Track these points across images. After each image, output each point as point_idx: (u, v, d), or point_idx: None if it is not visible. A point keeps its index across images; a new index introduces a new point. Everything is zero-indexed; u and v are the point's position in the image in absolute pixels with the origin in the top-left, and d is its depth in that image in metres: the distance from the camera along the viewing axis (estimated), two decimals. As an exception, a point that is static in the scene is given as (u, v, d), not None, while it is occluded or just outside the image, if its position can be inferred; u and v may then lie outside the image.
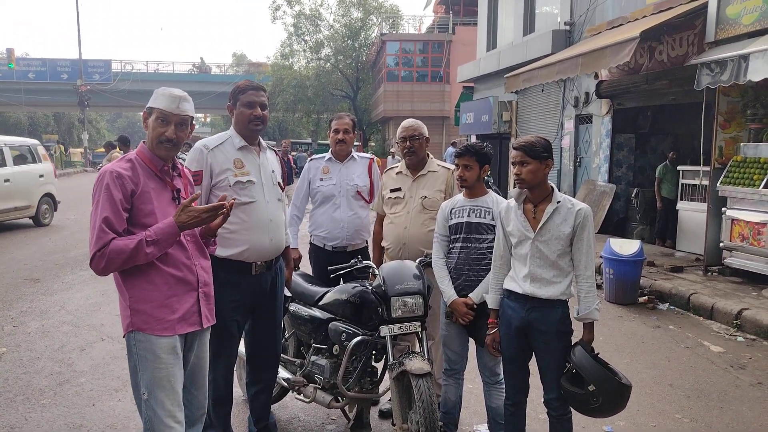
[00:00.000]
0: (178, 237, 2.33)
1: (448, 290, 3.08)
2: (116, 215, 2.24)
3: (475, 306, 3.02)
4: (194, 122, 2.55)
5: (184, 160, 3.01)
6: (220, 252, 2.91)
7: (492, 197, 3.13)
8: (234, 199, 2.57)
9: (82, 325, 5.53)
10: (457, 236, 3.10)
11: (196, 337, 2.48)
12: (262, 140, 3.14)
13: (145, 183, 2.32)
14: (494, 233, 2.97)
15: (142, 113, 2.43)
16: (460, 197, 3.17)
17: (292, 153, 19.46)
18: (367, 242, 3.98)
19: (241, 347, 3.28)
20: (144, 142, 2.43)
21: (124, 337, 2.37)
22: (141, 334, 2.30)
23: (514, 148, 2.74)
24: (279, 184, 3.19)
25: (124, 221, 2.27)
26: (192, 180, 2.71)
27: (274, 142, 35.73)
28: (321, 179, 3.87)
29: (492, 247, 2.96)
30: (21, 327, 5.48)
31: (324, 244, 3.88)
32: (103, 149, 14.68)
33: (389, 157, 19.52)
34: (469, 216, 3.09)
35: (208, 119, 55.83)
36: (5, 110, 45.42)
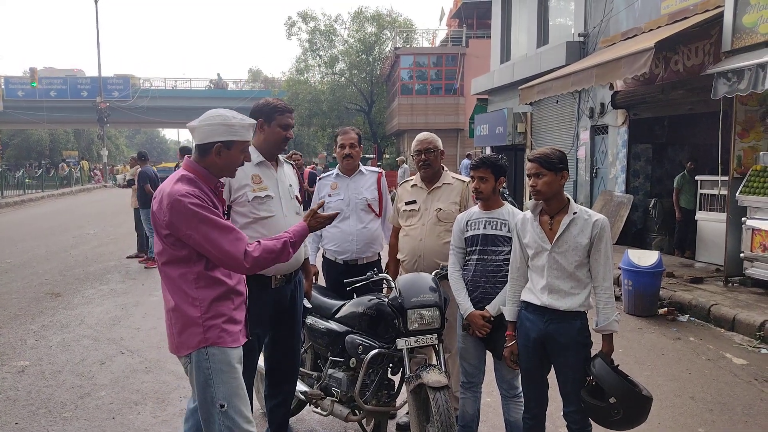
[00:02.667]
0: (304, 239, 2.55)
1: (464, 303, 3.08)
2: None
3: (492, 318, 3.01)
4: None
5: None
6: None
7: (508, 209, 3.13)
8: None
9: (102, 339, 5.60)
10: (474, 248, 3.11)
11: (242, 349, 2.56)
12: (279, 155, 3.20)
13: (212, 200, 2.39)
14: (510, 245, 2.97)
15: (215, 146, 2.37)
16: (475, 209, 3.18)
17: (310, 166, 19.51)
18: (379, 255, 3.99)
19: (260, 361, 3.30)
20: (196, 162, 2.42)
21: (185, 355, 2.36)
22: (215, 348, 2.34)
23: (529, 160, 2.75)
24: (297, 197, 3.23)
25: None
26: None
27: (300, 154, 35.88)
28: (330, 195, 3.90)
29: (508, 259, 2.96)
30: (43, 341, 5.56)
31: (335, 258, 3.90)
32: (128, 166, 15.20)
33: (399, 170, 19.48)
34: (485, 228, 3.09)
35: (225, 134, 56.43)
36: (28, 128, 46.40)
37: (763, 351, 5.29)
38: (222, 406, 2.34)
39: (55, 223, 15.86)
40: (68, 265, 9.54)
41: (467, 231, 3.13)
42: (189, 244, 2.30)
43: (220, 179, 2.50)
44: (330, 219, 2.67)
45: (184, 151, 10.82)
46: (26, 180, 27.71)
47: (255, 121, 2.51)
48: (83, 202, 24.10)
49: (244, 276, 2.55)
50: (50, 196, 26.26)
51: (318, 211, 2.62)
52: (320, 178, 4.12)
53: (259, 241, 2.36)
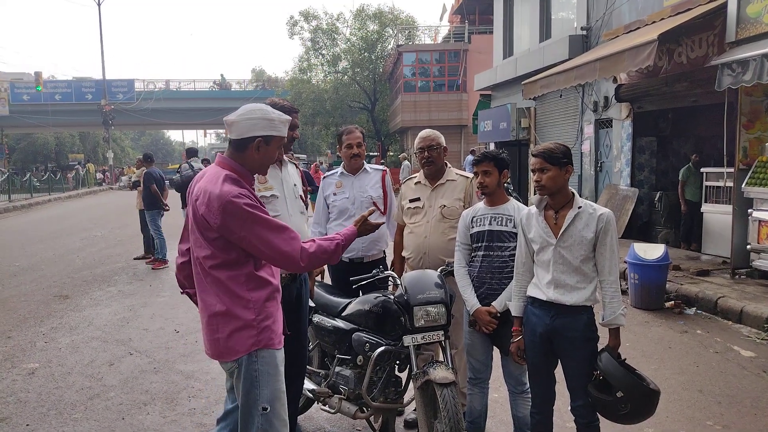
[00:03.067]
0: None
1: (471, 299, 3.09)
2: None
3: (498, 314, 3.02)
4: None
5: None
6: None
7: (513, 204, 3.13)
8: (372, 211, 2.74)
9: (111, 341, 5.64)
10: (479, 244, 3.11)
11: None
12: (284, 155, 3.21)
13: (258, 199, 2.35)
14: (516, 241, 2.97)
15: (256, 141, 2.31)
16: (481, 205, 3.18)
17: (313, 165, 19.51)
18: (384, 253, 4.00)
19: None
20: (233, 158, 2.36)
21: (233, 360, 2.31)
22: (265, 350, 2.31)
23: (533, 155, 2.75)
24: (301, 197, 3.24)
25: None
26: None
27: (305, 156, 35.99)
28: (335, 194, 3.91)
29: (514, 255, 2.96)
30: (52, 343, 5.60)
31: (341, 256, 3.90)
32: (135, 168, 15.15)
33: (403, 165, 19.43)
34: (490, 224, 3.09)
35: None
36: (34, 131, 46.67)
37: (772, 343, 5.28)
38: (265, 409, 2.30)
39: (62, 225, 15.96)
40: (76, 267, 9.60)
41: (473, 227, 3.14)
42: (241, 246, 2.24)
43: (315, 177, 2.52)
44: (377, 226, 2.69)
45: (191, 152, 10.84)
46: (35, 183, 28.12)
47: (290, 117, 2.47)
48: (90, 204, 24.22)
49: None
50: (57, 199, 26.40)
51: (368, 218, 2.64)
52: (324, 177, 4.12)
53: (314, 240, 2.37)
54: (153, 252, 9.78)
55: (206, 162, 12.57)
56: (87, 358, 5.13)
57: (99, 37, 35.45)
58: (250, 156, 2.34)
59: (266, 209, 2.32)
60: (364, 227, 2.60)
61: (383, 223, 2.83)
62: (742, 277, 7.11)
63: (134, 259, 10.14)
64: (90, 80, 43.33)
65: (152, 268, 9.36)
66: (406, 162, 19.60)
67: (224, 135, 59.06)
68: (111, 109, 37.83)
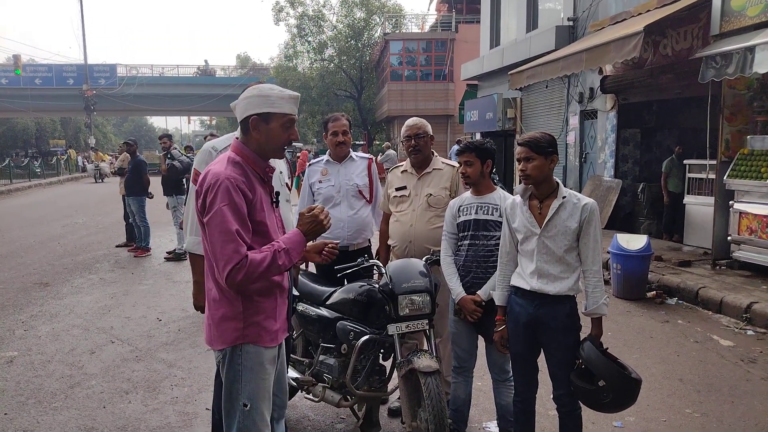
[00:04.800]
0: (305, 246, 2.28)
1: (456, 288, 3.09)
2: (244, 227, 2.12)
3: (483, 303, 3.02)
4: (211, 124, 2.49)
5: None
6: None
7: (499, 194, 3.14)
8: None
9: (92, 329, 5.57)
10: (466, 234, 3.11)
11: (282, 343, 2.44)
12: None
13: (257, 189, 2.22)
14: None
15: (251, 120, 2.19)
16: (467, 195, 3.18)
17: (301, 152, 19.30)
18: (369, 241, 3.99)
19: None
20: (242, 143, 2.27)
21: (219, 350, 2.25)
22: (251, 346, 2.23)
23: (519, 144, 2.74)
24: (286, 185, 3.20)
25: (250, 231, 2.15)
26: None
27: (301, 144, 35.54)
28: (320, 181, 3.88)
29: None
30: (31, 331, 5.52)
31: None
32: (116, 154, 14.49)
33: (386, 154, 19.10)
34: (476, 213, 3.09)
35: (214, 121, 55.98)
36: (13, 116, 45.75)
37: (750, 333, 5.37)
38: (245, 405, 2.25)
39: (43, 212, 15.71)
40: (57, 254, 9.46)
41: (459, 216, 3.14)
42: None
43: (270, 163, 2.33)
44: (326, 224, 2.33)
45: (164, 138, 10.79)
46: (35, 168, 28.84)
47: (298, 95, 2.31)
48: (71, 191, 23.87)
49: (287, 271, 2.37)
50: (38, 186, 25.98)
51: (308, 213, 2.31)
52: (310, 164, 4.09)
53: (247, 256, 2.09)
54: (135, 240, 9.67)
55: (189, 149, 12.41)
56: (67, 346, 5.07)
57: (80, 20, 34.75)
58: (253, 137, 2.24)
59: (254, 205, 2.18)
60: (317, 228, 2.28)
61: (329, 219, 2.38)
62: (723, 267, 7.21)
63: (116, 246, 10.02)
64: (71, 65, 42.54)
65: (134, 256, 9.26)
66: (390, 152, 19.48)
67: (208, 122, 58.42)
68: (93, 95, 37.17)
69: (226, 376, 2.27)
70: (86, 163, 37.56)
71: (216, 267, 2.12)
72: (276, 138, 2.24)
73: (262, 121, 2.21)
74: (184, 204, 7.21)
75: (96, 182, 29.12)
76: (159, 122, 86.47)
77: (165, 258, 9.03)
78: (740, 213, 6.92)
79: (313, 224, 2.28)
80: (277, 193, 2.41)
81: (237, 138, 2.36)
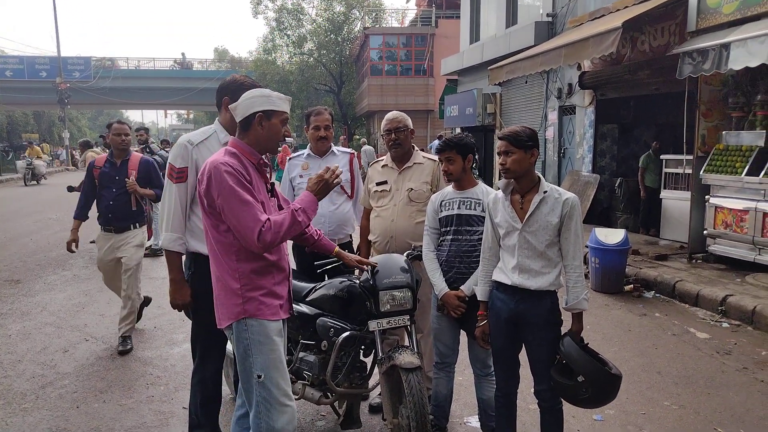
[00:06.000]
0: (317, 204, 2.52)
1: (439, 283, 3.06)
2: (255, 200, 2.33)
3: (466, 298, 3.00)
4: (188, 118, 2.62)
5: (161, 157, 3.02)
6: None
7: (482, 188, 3.12)
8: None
9: (65, 326, 5.44)
10: (448, 229, 3.08)
11: (284, 325, 2.59)
12: None
13: (253, 175, 2.41)
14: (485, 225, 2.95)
15: (257, 116, 2.40)
16: (449, 189, 3.15)
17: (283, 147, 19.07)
18: (351, 237, 3.94)
19: (229, 346, 3.23)
20: (239, 138, 2.46)
21: (225, 327, 2.45)
22: (253, 319, 2.39)
23: (499, 138, 2.73)
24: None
25: (259, 203, 2.35)
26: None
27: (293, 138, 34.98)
28: (301, 176, 3.81)
29: (482, 239, 2.94)
30: (1, 329, 5.36)
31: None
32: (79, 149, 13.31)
33: (362, 150, 19.07)
34: (459, 208, 3.07)
35: (191, 115, 55.28)
36: (-18, 109, 44.55)
37: (725, 325, 5.45)
38: (259, 377, 2.40)
39: (13, 207, 15.34)
40: (29, 250, 9.23)
41: (441, 211, 3.11)
42: (222, 217, 2.33)
43: (264, 158, 2.51)
44: (336, 181, 2.59)
45: (85, 145, 11.00)
46: (7, 161, 26.07)
47: (289, 97, 2.55)
48: (43, 186, 23.33)
49: (287, 253, 2.60)
50: (9, 180, 25.35)
51: (324, 176, 2.55)
52: (290, 158, 4.02)
53: (269, 218, 2.34)
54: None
55: (166, 143, 12.19)
56: (39, 345, 4.94)
57: (53, 11, 33.93)
58: (255, 132, 2.44)
59: (256, 188, 2.37)
60: (323, 187, 2.54)
61: (341, 173, 2.65)
62: (699, 261, 7.32)
63: (90, 242, 9.80)
64: (44, 57, 41.56)
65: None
66: (367, 147, 19.44)
67: (185, 116, 57.69)
68: (67, 87, 36.34)
69: (238, 353, 2.44)
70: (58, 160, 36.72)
71: (244, 236, 2.30)
72: (276, 133, 2.47)
73: (266, 117, 2.43)
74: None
75: (27, 185, 22.73)
76: (135, 116, 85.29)
77: (141, 254, 8.86)
78: (716, 207, 7.02)
79: (319, 184, 2.53)
80: (272, 184, 2.59)
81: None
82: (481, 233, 2.97)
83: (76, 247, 5.00)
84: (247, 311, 2.39)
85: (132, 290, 4.86)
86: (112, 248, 4.94)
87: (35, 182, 23.53)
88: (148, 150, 9.20)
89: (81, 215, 5.09)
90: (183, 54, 46.78)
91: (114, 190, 4.93)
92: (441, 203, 3.12)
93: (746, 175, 6.66)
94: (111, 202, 4.92)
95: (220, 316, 2.46)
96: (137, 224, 5.02)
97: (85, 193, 5.08)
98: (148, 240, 8.74)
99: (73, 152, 35.03)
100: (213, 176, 2.31)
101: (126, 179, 4.92)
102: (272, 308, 2.44)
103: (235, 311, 2.40)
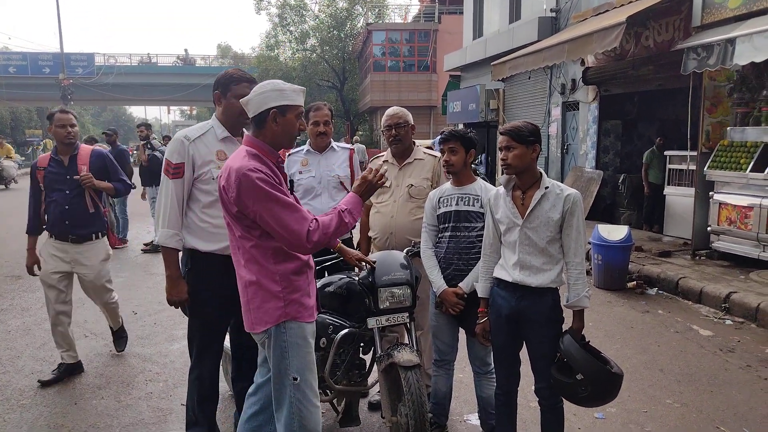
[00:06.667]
0: (362, 205, 2.48)
1: (437, 280, 3.03)
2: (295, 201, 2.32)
3: (465, 295, 2.97)
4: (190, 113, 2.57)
5: (162, 153, 2.97)
6: (205, 246, 2.86)
7: (480, 184, 3.08)
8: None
9: (65, 323, 5.41)
10: (446, 225, 3.05)
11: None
12: (246, 130, 3.06)
13: (278, 175, 2.36)
14: (483, 221, 2.92)
15: (271, 113, 2.32)
16: (447, 186, 3.12)
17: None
18: (351, 233, 3.91)
19: (227, 342, 3.21)
20: (254, 136, 2.39)
21: (263, 332, 2.37)
22: (293, 322, 2.37)
23: (500, 133, 2.69)
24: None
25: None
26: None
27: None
28: (300, 172, 3.77)
29: (481, 236, 2.91)
30: (1, 325, 5.36)
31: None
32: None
33: (356, 148, 19.10)
34: (457, 204, 3.03)
35: (194, 111, 55.23)
36: (-14, 105, 44.65)
37: (728, 322, 5.41)
38: (295, 379, 2.38)
39: (17, 203, 15.34)
40: (30, 247, 9.21)
41: (440, 208, 3.08)
42: (257, 222, 2.27)
43: (280, 154, 2.45)
44: (381, 181, 2.52)
45: (90, 141, 10.76)
46: None
47: (303, 88, 2.45)
48: (12, 191, 23.29)
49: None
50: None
51: (369, 177, 2.48)
52: (290, 154, 3.98)
53: (316, 219, 2.32)
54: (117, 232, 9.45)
55: (167, 139, 12.17)
56: (39, 341, 4.93)
57: (56, 7, 33.94)
58: (270, 129, 2.36)
59: (284, 188, 2.33)
60: (368, 188, 2.48)
61: (385, 171, 2.56)
62: (702, 258, 7.27)
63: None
64: (47, 53, 41.58)
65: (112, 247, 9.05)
66: (359, 146, 19.45)
67: (188, 112, 57.66)
68: (70, 84, 36.34)
69: (273, 355, 2.39)
70: None
71: (290, 239, 2.25)
72: (291, 129, 2.39)
73: (280, 113, 2.34)
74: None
75: None
76: (138, 112, 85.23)
77: (142, 250, 8.87)
78: (720, 204, 6.97)
79: (363, 185, 2.48)
80: (291, 182, 2.59)
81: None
82: (480, 230, 2.94)
83: (39, 269, 4.17)
84: (289, 314, 2.35)
85: (106, 297, 4.45)
86: (67, 260, 4.17)
87: (3, 186, 20.50)
88: (149, 146, 9.18)
89: (34, 229, 4.21)
90: (186, 50, 46.67)
91: (67, 191, 4.07)
92: (439, 200, 3.09)
93: (751, 171, 6.60)
94: (67, 207, 4.06)
95: (254, 320, 2.38)
96: (99, 233, 4.27)
97: (32, 202, 4.19)
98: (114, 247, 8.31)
99: None
100: (243, 184, 2.23)
101: (77, 175, 4.09)
102: (308, 309, 2.42)
103: (276, 314, 2.35)
